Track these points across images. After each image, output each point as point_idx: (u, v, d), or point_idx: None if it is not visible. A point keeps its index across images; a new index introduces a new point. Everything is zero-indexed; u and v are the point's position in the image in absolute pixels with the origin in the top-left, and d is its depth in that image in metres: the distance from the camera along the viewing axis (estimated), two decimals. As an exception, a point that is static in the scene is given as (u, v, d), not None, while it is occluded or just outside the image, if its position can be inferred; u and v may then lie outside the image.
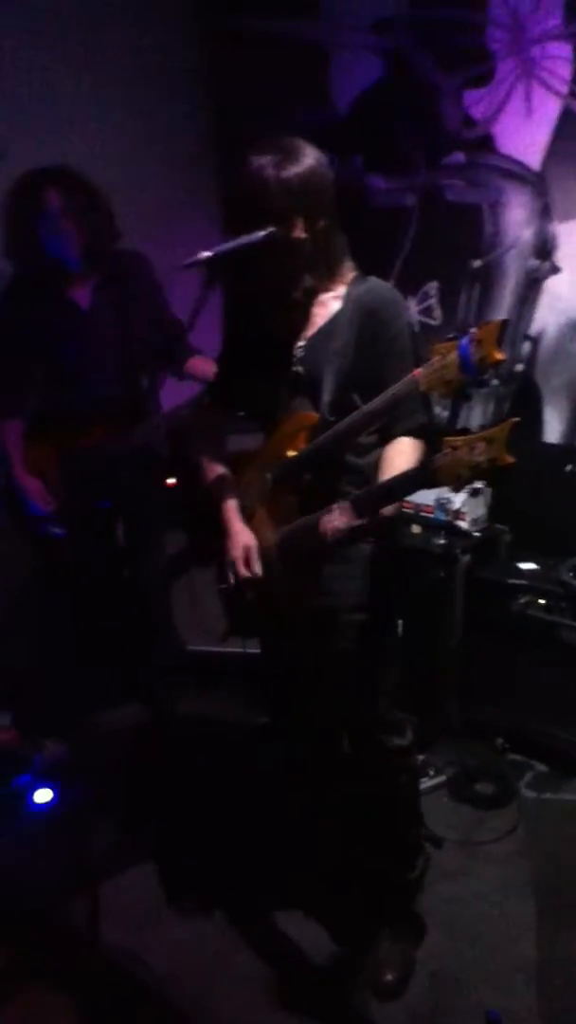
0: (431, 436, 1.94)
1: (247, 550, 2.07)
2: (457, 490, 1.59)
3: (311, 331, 2.04)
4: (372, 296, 1.99)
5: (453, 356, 1.53)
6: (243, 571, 2.07)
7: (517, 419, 1.42)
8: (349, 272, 2.03)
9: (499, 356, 1.47)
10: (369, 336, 1.96)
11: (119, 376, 2.83)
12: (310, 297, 2.00)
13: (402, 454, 1.94)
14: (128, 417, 2.80)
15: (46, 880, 2.55)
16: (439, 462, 1.59)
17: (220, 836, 2.70)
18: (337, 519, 1.79)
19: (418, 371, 1.67)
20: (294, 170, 1.86)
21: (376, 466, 2.03)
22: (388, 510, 1.79)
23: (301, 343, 2.04)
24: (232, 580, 2.10)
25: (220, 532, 2.14)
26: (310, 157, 1.90)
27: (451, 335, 1.50)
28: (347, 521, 1.78)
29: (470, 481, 1.52)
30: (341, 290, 2.01)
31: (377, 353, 1.96)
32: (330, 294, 2.02)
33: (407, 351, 1.95)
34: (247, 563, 2.07)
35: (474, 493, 1.76)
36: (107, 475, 2.77)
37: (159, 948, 2.34)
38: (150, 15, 3.37)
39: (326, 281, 2.01)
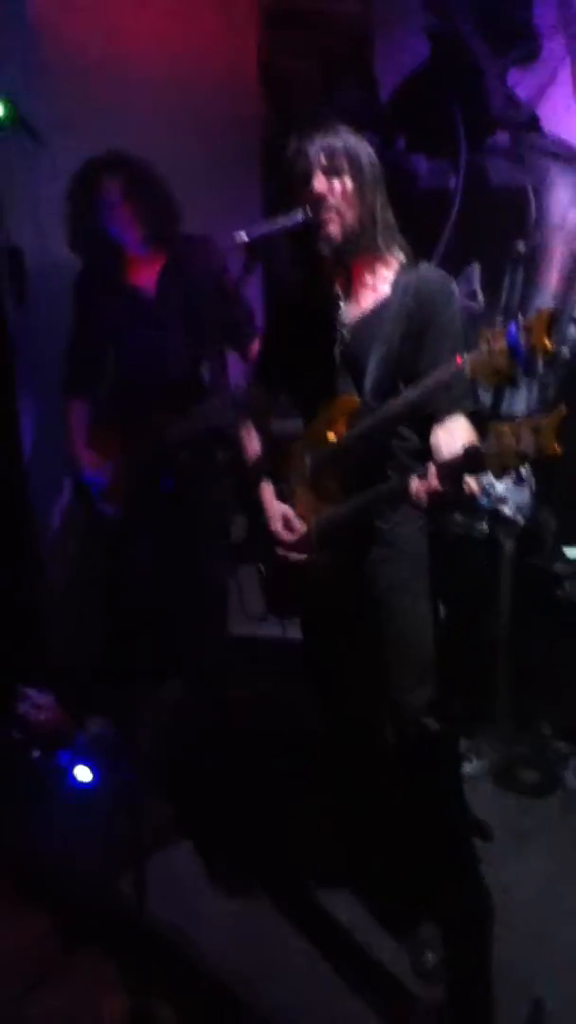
0: (478, 422, 1.93)
1: (285, 516, 2.14)
2: (499, 477, 1.58)
3: (358, 315, 2.04)
4: (423, 283, 1.98)
5: (502, 343, 1.52)
6: (285, 535, 2.13)
7: (565, 410, 1.40)
8: (400, 258, 2.03)
9: (549, 345, 1.45)
10: (418, 323, 1.95)
11: (184, 359, 2.88)
12: (342, 259, 1.98)
13: (462, 430, 1.90)
14: (191, 400, 2.83)
15: (94, 854, 2.59)
16: (485, 449, 1.58)
17: (265, 814, 2.73)
18: (432, 482, 1.71)
19: (467, 356, 1.66)
20: (320, 139, 1.93)
21: (418, 451, 2.03)
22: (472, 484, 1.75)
23: (347, 326, 2.04)
24: (279, 552, 2.15)
25: (257, 511, 2.20)
26: (344, 133, 1.95)
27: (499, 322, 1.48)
28: (443, 484, 1.70)
29: (516, 468, 1.51)
30: (391, 275, 2.01)
31: (426, 341, 1.95)
32: (379, 278, 2.02)
33: (458, 340, 1.93)
34: (288, 527, 2.13)
35: (518, 482, 1.74)
36: (170, 458, 2.84)
37: (204, 924, 2.38)
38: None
39: (371, 258, 2.00)
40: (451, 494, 1.69)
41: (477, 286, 3.35)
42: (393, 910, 2.37)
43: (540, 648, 2.98)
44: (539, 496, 3.12)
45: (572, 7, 3.04)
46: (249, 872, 2.55)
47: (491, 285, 3.35)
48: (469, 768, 2.88)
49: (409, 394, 1.85)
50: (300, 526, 2.12)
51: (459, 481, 1.66)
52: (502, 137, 3.27)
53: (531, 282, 3.30)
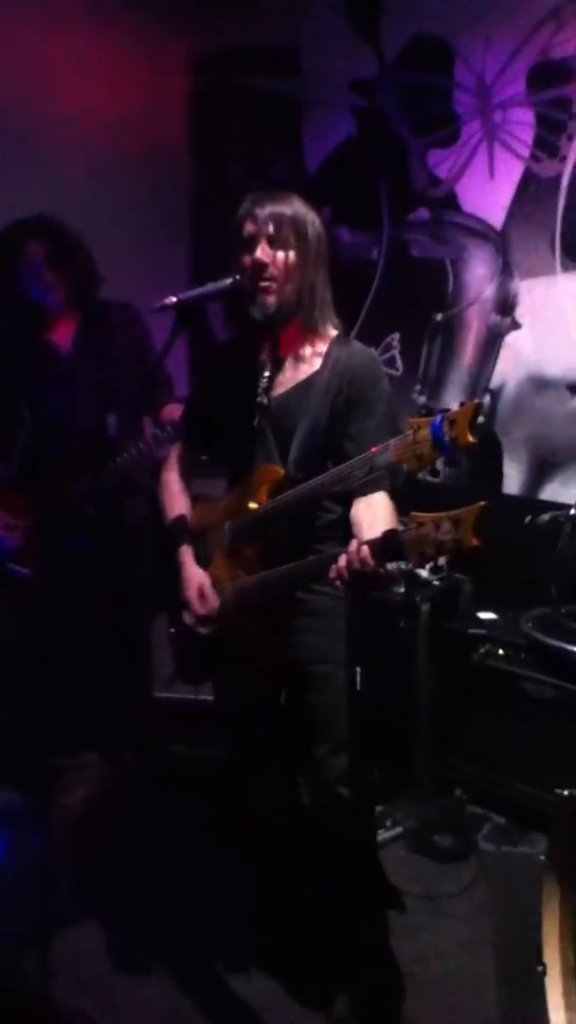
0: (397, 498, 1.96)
1: (201, 587, 2.11)
2: (419, 566, 1.60)
3: (288, 385, 2.05)
4: (354, 360, 2.00)
5: (425, 433, 1.55)
6: (199, 607, 2.10)
7: (486, 503, 1.43)
8: (332, 332, 2.05)
9: (471, 439, 1.49)
10: (346, 399, 1.98)
11: (96, 418, 2.86)
12: (272, 328, 1.99)
13: (382, 506, 1.92)
14: (102, 457, 2.82)
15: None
16: (404, 536, 1.60)
17: (178, 890, 2.66)
18: (351, 564, 1.69)
19: (392, 442, 1.68)
20: (271, 206, 1.93)
21: (340, 522, 2.05)
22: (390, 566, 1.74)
23: (276, 395, 2.05)
24: (187, 620, 2.13)
25: (175, 574, 2.17)
26: (295, 203, 1.97)
27: (424, 411, 1.52)
28: (365, 567, 1.68)
29: (434, 559, 1.53)
30: (323, 348, 2.03)
31: (353, 418, 1.97)
32: (311, 350, 2.04)
33: (385, 419, 1.96)
34: (202, 599, 2.10)
35: (436, 570, 1.75)
36: (81, 516, 2.82)
37: (113, 1009, 2.28)
38: (138, 67, 3.45)
39: (303, 331, 2.02)
40: (371, 574, 1.68)
41: (397, 353, 3.45)
42: (308, 985, 2.33)
43: (454, 712, 3.01)
44: (454, 561, 3.19)
45: (490, 95, 3.19)
46: (160, 952, 2.47)
47: (410, 353, 3.45)
48: (384, 834, 2.87)
49: (334, 472, 1.86)
50: (214, 599, 2.09)
51: (380, 562, 1.66)
52: (423, 213, 3.40)
53: (448, 351, 3.42)
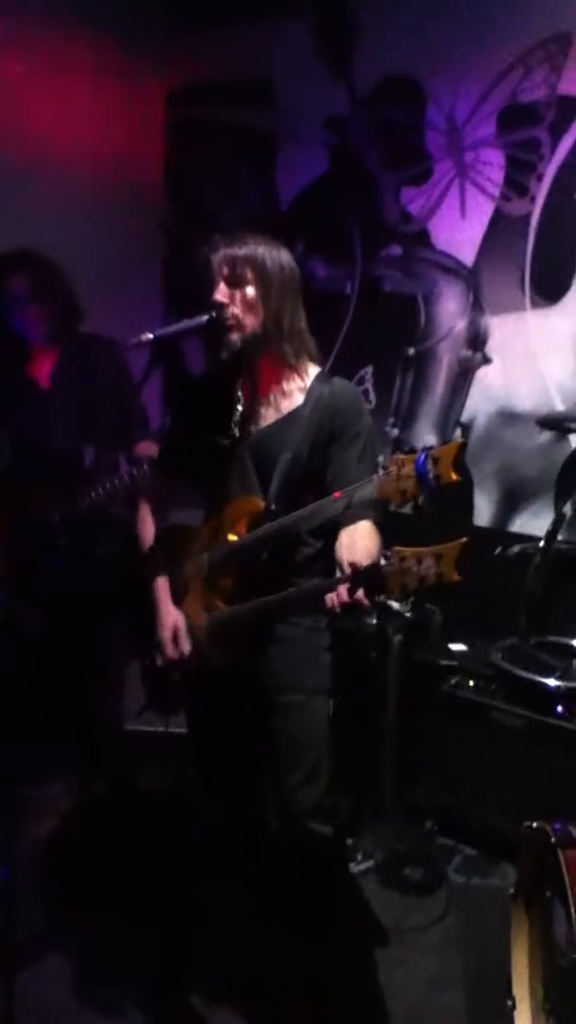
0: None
1: (176, 629, 2.09)
2: (401, 600, 1.62)
3: (270, 419, 2.06)
4: (337, 395, 2.03)
5: (409, 469, 1.57)
6: (171, 651, 2.08)
7: (467, 539, 1.45)
8: (314, 368, 2.07)
9: (455, 477, 1.51)
10: (328, 434, 2.00)
11: (69, 447, 2.89)
12: (243, 363, 2.01)
13: (364, 535, 1.91)
14: (74, 487, 2.82)
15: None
16: (386, 570, 1.61)
17: (148, 923, 2.61)
18: (346, 592, 1.70)
19: (375, 477, 1.70)
20: (224, 249, 1.97)
21: (318, 555, 2.06)
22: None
23: (260, 429, 2.07)
24: (158, 658, 2.11)
25: (149, 608, 2.15)
26: (251, 243, 1.99)
27: (407, 448, 1.54)
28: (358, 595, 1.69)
29: (416, 593, 1.55)
30: (304, 383, 2.05)
31: (334, 451, 1.99)
32: (292, 385, 2.05)
33: (367, 453, 1.99)
34: (176, 642, 2.08)
35: (414, 605, 1.76)
36: (52, 545, 2.82)
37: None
38: (114, 101, 3.49)
39: (278, 364, 2.04)
40: (359, 603, 1.69)
41: (370, 387, 3.49)
42: (280, 1020, 2.31)
43: (425, 742, 3.02)
44: (425, 590, 3.21)
45: (461, 136, 3.27)
46: (126, 989, 2.41)
47: (383, 386, 3.50)
48: (354, 867, 2.86)
49: (317, 505, 1.87)
50: (186, 645, 2.08)
51: (370, 593, 1.67)
52: (395, 249, 3.46)
53: (420, 385, 3.47)
